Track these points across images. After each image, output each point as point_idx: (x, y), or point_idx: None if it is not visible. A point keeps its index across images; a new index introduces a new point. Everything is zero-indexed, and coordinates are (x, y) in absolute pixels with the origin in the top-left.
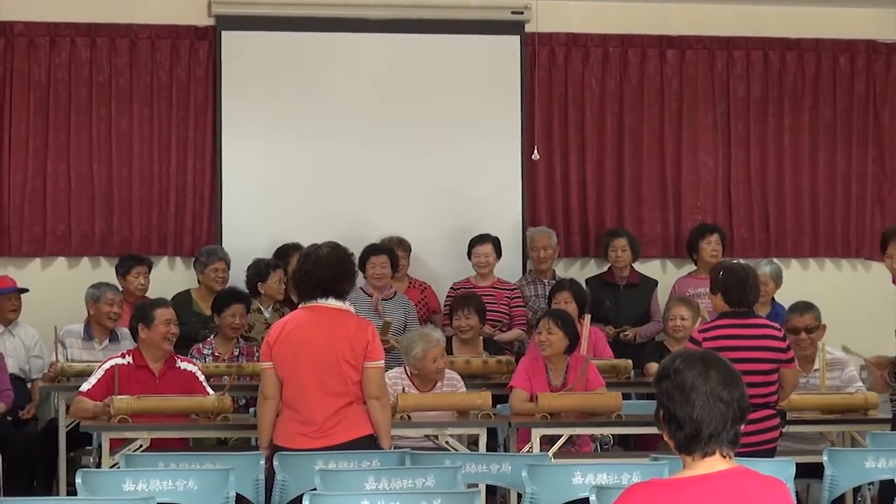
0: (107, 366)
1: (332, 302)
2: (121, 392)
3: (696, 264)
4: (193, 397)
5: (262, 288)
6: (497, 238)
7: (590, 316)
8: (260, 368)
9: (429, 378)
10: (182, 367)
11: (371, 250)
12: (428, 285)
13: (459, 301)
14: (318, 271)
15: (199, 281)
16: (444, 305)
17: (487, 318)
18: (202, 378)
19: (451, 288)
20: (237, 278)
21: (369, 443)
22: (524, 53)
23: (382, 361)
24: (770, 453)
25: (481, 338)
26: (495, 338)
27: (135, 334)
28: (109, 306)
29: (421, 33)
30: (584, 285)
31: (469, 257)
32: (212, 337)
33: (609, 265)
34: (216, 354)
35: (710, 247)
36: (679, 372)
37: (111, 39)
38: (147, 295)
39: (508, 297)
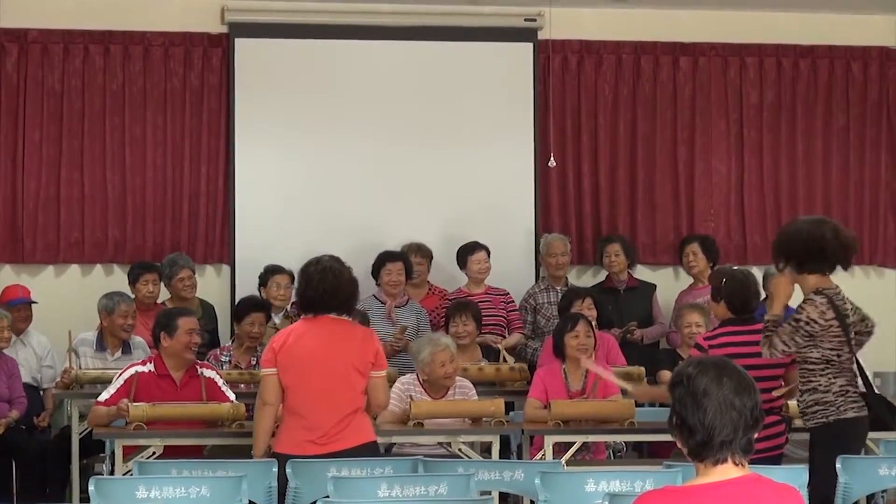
0: (127, 374)
1: (339, 315)
2: (142, 400)
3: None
4: (208, 404)
5: (263, 294)
6: (486, 246)
7: (595, 323)
8: (261, 374)
9: (439, 384)
10: (203, 374)
11: (387, 257)
12: (447, 292)
13: (456, 307)
14: (343, 289)
15: (169, 292)
16: (441, 316)
17: (488, 323)
18: (221, 383)
19: (446, 299)
20: (253, 284)
21: (373, 449)
22: (537, 60)
23: (386, 372)
24: (776, 460)
25: (478, 344)
26: (499, 345)
27: (157, 342)
28: (123, 318)
29: (434, 40)
30: None
31: (461, 267)
32: (230, 344)
33: (607, 273)
34: (234, 363)
35: (688, 258)
36: (692, 378)
37: (125, 47)
38: (157, 303)
39: (504, 302)
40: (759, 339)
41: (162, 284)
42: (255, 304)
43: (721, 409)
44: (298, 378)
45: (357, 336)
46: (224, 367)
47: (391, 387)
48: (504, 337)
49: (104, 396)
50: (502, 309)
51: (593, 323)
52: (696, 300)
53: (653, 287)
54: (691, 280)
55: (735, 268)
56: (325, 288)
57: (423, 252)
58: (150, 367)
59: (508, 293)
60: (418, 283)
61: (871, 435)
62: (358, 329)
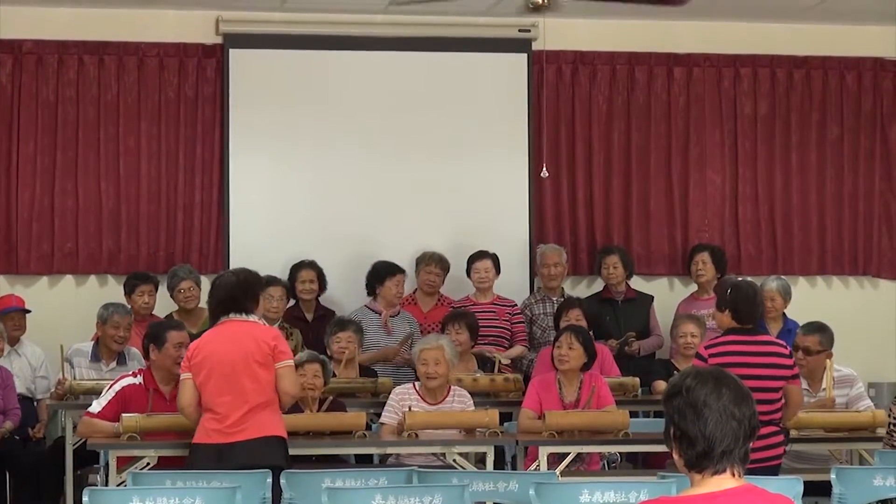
0: (118, 386)
1: (239, 316)
2: (131, 412)
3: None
4: None
5: None
6: (496, 255)
7: (591, 333)
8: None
9: (429, 386)
10: None
11: (395, 269)
12: (455, 301)
13: (451, 316)
14: (216, 293)
15: (176, 304)
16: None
17: (490, 334)
18: None
19: (451, 307)
20: None
21: (277, 444)
22: (531, 71)
23: (291, 361)
24: (774, 471)
25: (473, 356)
26: (496, 354)
27: (147, 354)
28: (115, 329)
29: (429, 51)
30: None
31: (468, 274)
32: None
33: (604, 283)
34: None
35: (697, 267)
36: (691, 389)
37: (119, 57)
38: (154, 313)
39: (509, 314)
40: (761, 349)
41: (158, 295)
42: None
43: (721, 419)
44: (207, 377)
45: (255, 332)
46: None
47: (388, 395)
48: (505, 349)
49: (95, 408)
50: (506, 320)
51: (591, 334)
52: (699, 311)
53: (650, 298)
54: (687, 290)
55: (740, 278)
56: (218, 296)
57: (443, 263)
58: (139, 379)
59: (516, 304)
60: (431, 292)
61: (865, 445)
62: (257, 327)
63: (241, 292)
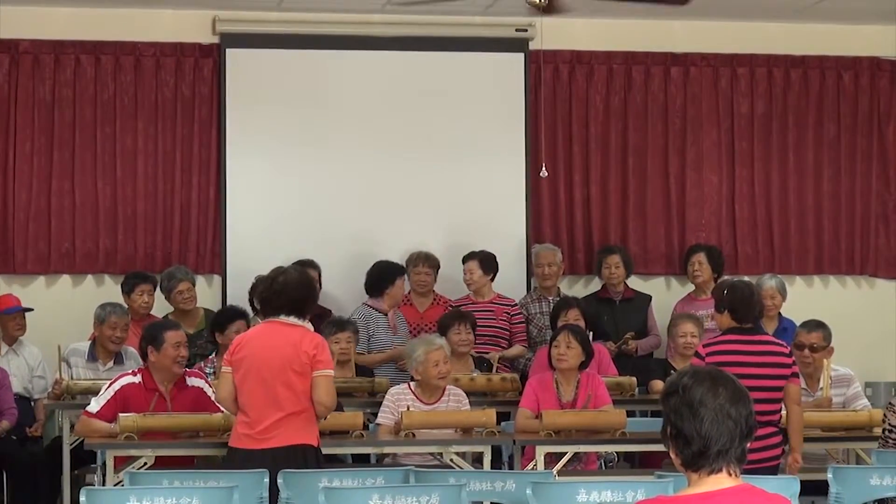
0: (117, 385)
1: (291, 318)
2: (130, 411)
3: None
4: (199, 415)
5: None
6: (486, 255)
7: (591, 333)
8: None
9: (432, 385)
10: (191, 384)
11: (400, 271)
12: (451, 300)
13: (454, 316)
14: (288, 291)
15: (171, 305)
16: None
17: (488, 333)
18: (210, 392)
19: (449, 306)
20: (244, 295)
21: (305, 452)
22: (528, 71)
23: (329, 371)
24: (773, 471)
25: (471, 356)
26: (492, 354)
27: (144, 355)
28: (112, 330)
29: (426, 51)
30: None
31: None
32: (213, 355)
33: (603, 283)
34: (218, 374)
35: (693, 268)
36: (688, 388)
37: (116, 57)
38: (152, 313)
39: (508, 314)
40: (760, 349)
41: (157, 295)
42: (237, 312)
43: (717, 419)
44: (243, 377)
45: (294, 338)
46: (210, 378)
47: (384, 396)
48: (503, 348)
49: (94, 407)
50: (504, 321)
51: (590, 335)
52: (697, 312)
53: (648, 298)
54: (684, 290)
55: (737, 279)
56: (274, 289)
57: (431, 261)
58: (138, 378)
59: (516, 304)
60: (424, 292)
61: (862, 445)
62: (301, 332)
63: (298, 293)
